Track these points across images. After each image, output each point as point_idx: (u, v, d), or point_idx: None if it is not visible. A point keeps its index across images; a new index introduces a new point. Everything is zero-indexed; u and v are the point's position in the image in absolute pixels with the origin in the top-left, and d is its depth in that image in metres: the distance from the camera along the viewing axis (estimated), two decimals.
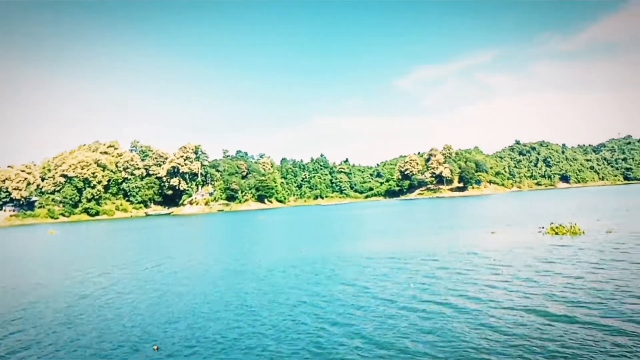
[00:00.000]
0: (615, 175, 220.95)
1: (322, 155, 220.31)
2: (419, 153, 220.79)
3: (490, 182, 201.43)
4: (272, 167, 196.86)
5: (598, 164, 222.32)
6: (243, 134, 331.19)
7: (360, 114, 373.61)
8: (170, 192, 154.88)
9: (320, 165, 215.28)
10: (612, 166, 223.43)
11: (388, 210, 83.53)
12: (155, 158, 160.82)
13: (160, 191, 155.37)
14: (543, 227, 29.43)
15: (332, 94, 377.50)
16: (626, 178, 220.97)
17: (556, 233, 26.21)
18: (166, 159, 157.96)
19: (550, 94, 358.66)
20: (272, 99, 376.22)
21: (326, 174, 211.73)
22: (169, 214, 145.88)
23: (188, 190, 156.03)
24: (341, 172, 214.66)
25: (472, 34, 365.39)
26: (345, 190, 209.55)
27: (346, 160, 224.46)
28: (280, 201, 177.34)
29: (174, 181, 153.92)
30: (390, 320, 11.21)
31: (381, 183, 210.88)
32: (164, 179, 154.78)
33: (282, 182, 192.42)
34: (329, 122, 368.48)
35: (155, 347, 10.57)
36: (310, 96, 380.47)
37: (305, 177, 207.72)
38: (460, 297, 13.16)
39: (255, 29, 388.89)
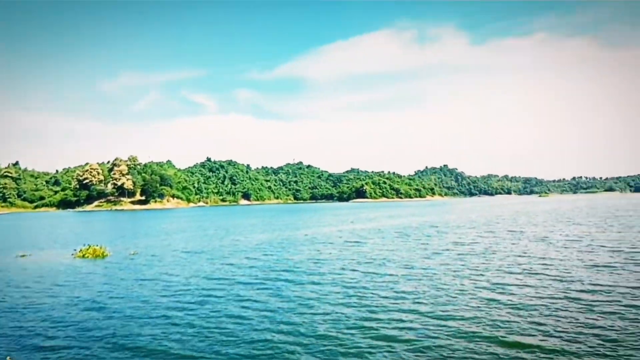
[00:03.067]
0: (288, 195, 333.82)
1: None
2: (108, 162, 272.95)
3: (174, 196, 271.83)
4: None
5: (275, 185, 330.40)
6: None
7: (49, 111, 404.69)
8: None
9: None
10: (286, 187, 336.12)
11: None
12: None
13: None
14: (76, 250, 34.75)
15: (17, 85, 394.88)
16: (296, 198, 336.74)
17: (84, 256, 32.66)
18: None
19: (245, 118, 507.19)
20: None
21: None
22: None
23: None
24: (7, 176, 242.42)
25: (179, 49, 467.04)
26: (10, 198, 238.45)
27: (16, 163, 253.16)
28: None
29: None
30: None
31: (56, 192, 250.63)
32: None
33: None
34: (8, 117, 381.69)
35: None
36: None
37: None
38: None
39: None
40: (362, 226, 57.03)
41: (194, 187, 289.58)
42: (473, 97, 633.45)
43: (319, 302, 16.58)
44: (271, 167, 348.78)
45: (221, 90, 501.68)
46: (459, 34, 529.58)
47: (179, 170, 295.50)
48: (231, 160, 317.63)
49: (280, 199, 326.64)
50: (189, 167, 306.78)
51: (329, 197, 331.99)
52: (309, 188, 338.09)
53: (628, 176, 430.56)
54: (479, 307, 15.16)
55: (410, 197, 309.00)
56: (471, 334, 12.43)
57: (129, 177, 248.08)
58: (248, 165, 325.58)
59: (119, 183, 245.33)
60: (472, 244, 33.30)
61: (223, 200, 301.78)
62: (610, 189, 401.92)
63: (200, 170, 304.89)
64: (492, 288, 17.92)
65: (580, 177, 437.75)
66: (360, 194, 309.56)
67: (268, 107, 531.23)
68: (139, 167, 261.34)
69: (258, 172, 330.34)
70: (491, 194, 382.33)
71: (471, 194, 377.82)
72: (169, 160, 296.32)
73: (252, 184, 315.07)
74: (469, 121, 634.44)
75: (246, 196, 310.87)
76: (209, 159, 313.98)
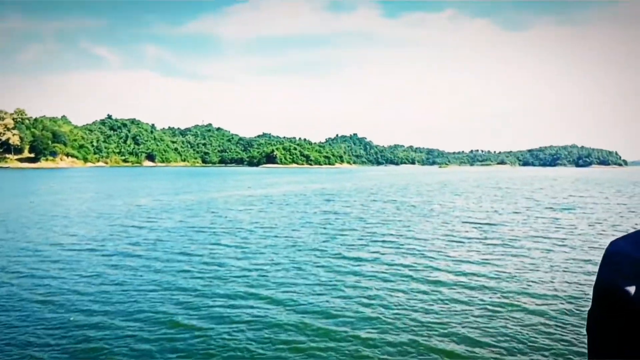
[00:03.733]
0: (195, 158, 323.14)
1: None
2: None
3: (68, 155, 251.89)
4: None
5: (182, 147, 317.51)
6: None
7: None
8: None
9: None
10: (194, 149, 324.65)
11: None
12: None
13: None
14: None
15: None
16: (204, 161, 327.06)
17: None
18: None
19: (152, 74, 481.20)
20: None
21: None
22: None
23: None
24: None
25: None
26: None
27: None
28: None
29: None
30: None
31: None
32: None
33: None
34: None
35: None
36: None
37: None
38: None
39: None
40: (257, 192, 55.67)
41: (93, 145, 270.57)
42: (384, 68, 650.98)
43: (146, 281, 14.73)
44: (178, 128, 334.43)
45: (125, 43, 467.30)
46: (373, 5, 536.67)
47: (76, 127, 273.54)
48: (134, 119, 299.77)
49: (188, 161, 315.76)
50: (87, 125, 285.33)
51: (239, 162, 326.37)
52: (219, 151, 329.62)
53: (518, 151, 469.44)
54: (310, 289, 14.21)
55: (320, 164, 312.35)
56: (281, 323, 11.33)
57: (15, 132, 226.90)
58: (153, 125, 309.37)
59: (4, 138, 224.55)
60: (347, 213, 33.05)
61: (125, 160, 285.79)
62: (502, 162, 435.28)
63: (100, 128, 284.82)
64: (330, 264, 17.15)
65: (477, 150, 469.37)
66: (270, 159, 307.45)
67: (177, 64, 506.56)
68: (27, 121, 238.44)
69: (164, 133, 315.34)
70: (397, 164, 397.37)
71: (378, 163, 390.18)
72: (64, 116, 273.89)
73: (157, 145, 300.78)
74: (379, 92, 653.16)
75: (150, 157, 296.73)
76: (110, 117, 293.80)
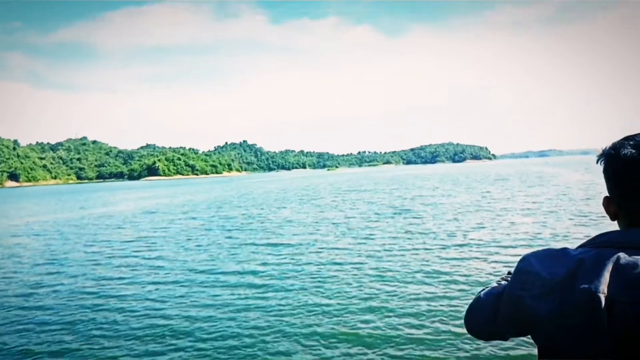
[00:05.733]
0: (69, 175, 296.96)
1: None
2: None
3: None
4: None
5: (52, 163, 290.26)
6: None
7: None
8: None
9: None
10: (67, 165, 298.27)
11: None
12: None
13: None
14: None
15: None
16: (79, 177, 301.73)
17: None
18: None
19: (18, 86, 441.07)
20: None
21: None
22: None
23: None
24: None
25: None
26: None
27: None
28: None
29: None
30: None
31: None
32: None
33: None
34: None
35: None
36: None
37: None
38: None
39: None
40: (82, 214, 49.73)
41: None
42: (273, 74, 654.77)
43: None
44: (48, 143, 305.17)
45: None
46: (258, 12, 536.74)
47: None
48: None
49: (60, 179, 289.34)
50: None
51: (119, 176, 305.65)
52: (96, 166, 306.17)
53: (402, 150, 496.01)
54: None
55: (207, 174, 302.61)
56: None
57: None
58: (16, 140, 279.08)
59: None
60: (155, 236, 29.65)
61: None
62: (388, 162, 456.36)
63: None
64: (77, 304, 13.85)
65: (365, 151, 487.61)
66: (152, 171, 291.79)
67: (49, 75, 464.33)
68: None
69: (31, 149, 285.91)
70: (288, 169, 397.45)
71: (270, 169, 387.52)
72: None
73: (22, 163, 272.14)
74: (269, 97, 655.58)
75: (14, 177, 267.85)
76: None
